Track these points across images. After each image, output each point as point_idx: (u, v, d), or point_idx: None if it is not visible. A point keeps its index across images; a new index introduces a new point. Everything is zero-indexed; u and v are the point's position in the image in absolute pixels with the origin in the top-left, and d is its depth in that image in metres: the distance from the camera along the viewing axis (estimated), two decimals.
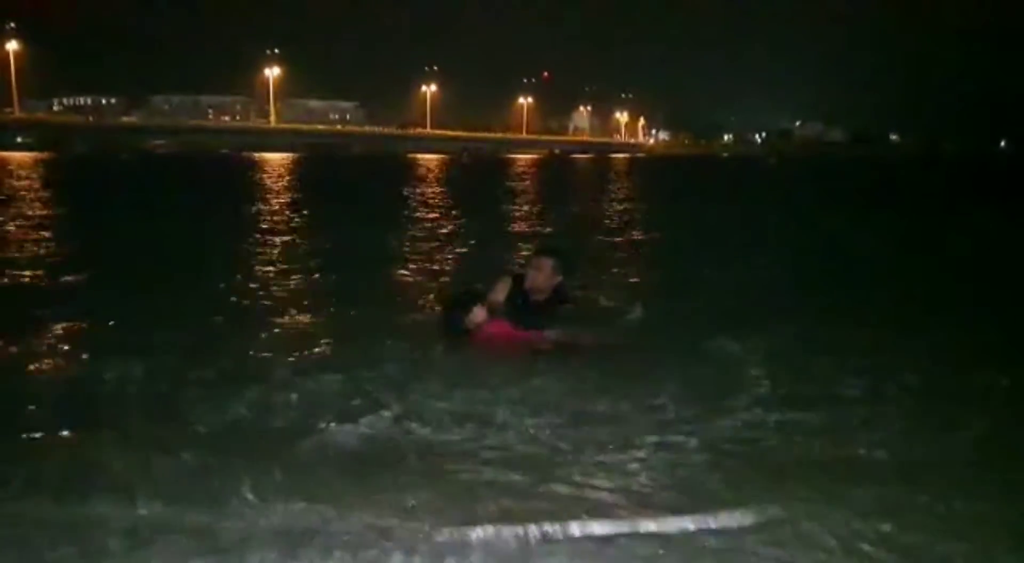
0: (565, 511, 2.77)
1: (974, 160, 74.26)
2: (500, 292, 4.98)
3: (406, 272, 8.14)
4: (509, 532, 2.62)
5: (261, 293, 6.90)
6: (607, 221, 15.03)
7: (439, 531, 2.63)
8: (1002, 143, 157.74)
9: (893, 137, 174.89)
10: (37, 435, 3.49)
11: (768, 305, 6.31)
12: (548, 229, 13.29)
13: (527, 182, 31.45)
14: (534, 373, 4.34)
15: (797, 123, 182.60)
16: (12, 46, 79.76)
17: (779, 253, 10.15)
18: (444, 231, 12.27)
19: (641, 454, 3.31)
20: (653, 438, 3.47)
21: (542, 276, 4.98)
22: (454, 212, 16.10)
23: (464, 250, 10.14)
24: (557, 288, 5.07)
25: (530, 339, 4.74)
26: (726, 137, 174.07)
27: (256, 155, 59.63)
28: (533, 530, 2.62)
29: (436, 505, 2.83)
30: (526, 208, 17.86)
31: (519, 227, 13.34)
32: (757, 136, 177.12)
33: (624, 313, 5.84)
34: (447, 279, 7.70)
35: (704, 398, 3.95)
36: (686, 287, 7.22)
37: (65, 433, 3.51)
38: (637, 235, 12.57)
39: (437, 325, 5.11)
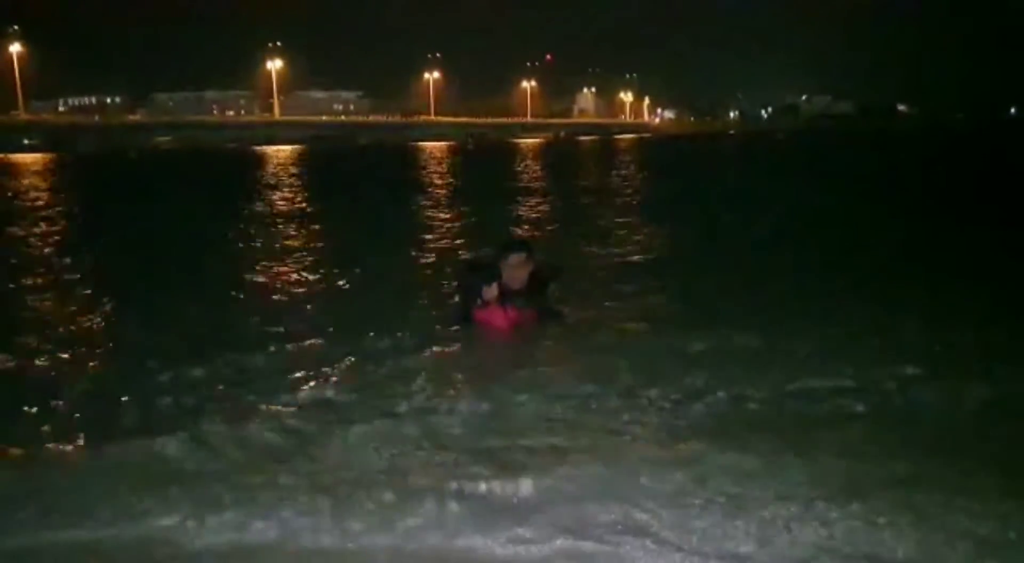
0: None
1: (983, 131, 73.27)
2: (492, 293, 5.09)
3: (414, 264, 8.27)
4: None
5: (273, 286, 7.17)
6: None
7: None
8: (1011, 110, 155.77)
9: (901, 108, 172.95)
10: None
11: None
12: (539, 216, 13.41)
13: (530, 167, 31.49)
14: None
15: (803, 97, 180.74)
16: (16, 48, 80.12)
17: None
18: (447, 220, 12.43)
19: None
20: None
21: (520, 272, 5.07)
22: (457, 200, 16.27)
23: (466, 238, 10.28)
24: (533, 273, 5.19)
25: (530, 318, 5.08)
26: (732, 114, 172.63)
27: (262, 149, 59.78)
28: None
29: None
30: (528, 195, 17.96)
31: (519, 212, 13.48)
32: (763, 112, 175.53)
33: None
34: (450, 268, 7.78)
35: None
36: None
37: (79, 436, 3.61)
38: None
39: (453, 294, 5.45)
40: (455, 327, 5.20)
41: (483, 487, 2.93)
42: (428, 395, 3.96)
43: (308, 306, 6.33)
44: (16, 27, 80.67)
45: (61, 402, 3.99)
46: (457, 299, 5.50)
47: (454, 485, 2.93)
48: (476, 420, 3.65)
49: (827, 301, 5.91)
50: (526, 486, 2.92)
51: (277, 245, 9.89)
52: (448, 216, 13.06)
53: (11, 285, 7.33)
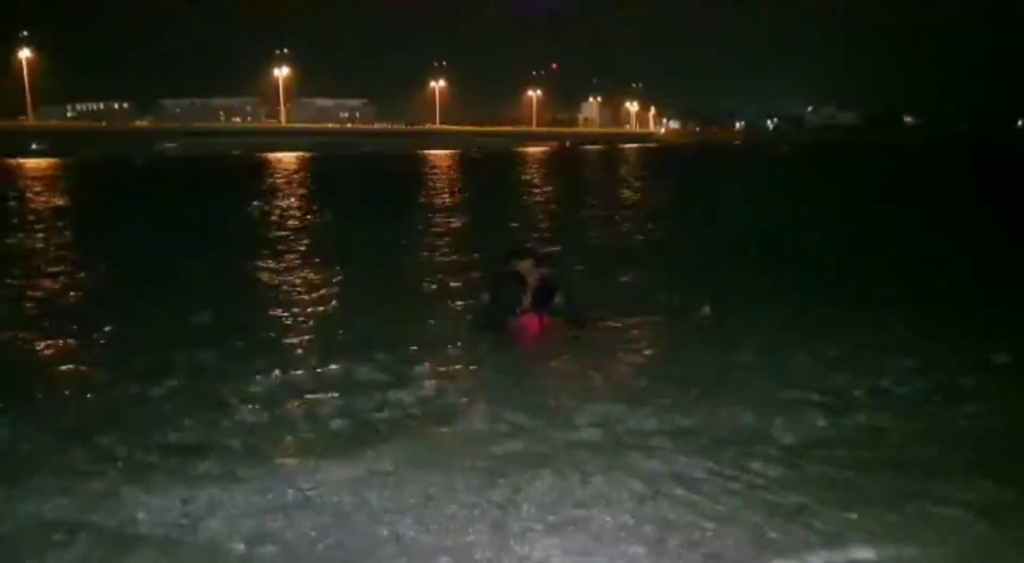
0: None
1: (992, 142, 73.16)
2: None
3: (430, 274, 8.18)
4: None
5: (284, 289, 7.27)
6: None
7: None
8: (1019, 122, 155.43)
9: (908, 119, 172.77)
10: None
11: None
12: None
13: (536, 177, 31.40)
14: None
15: (809, 108, 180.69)
16: (25, 54, 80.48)
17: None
18: (454, 230, 12.27)
19: None
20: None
21: (531, 278, 5.40)
22: (465, 211, 16.15)
23: (478, 249, 10.10)
24: (540, 279, 5.49)
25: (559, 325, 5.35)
26: (737, 124, 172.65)
27: (267, 156, 59.94)
28: None
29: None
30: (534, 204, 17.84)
31: (526, 222, 13.33)
32: (769, 122, 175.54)
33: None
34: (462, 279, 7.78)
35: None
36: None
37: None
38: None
39: (484, 303, 5.75)
40: (488, 333, 5.37)
41: None
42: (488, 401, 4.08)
43: (337, 320, 6.16)
44: (26, 33, 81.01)
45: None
46: (488, 307, 5.68)
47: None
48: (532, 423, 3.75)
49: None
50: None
51: (289, 255, 9.72)
52: (455, 226, 12.91)
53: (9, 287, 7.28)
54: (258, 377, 4.46)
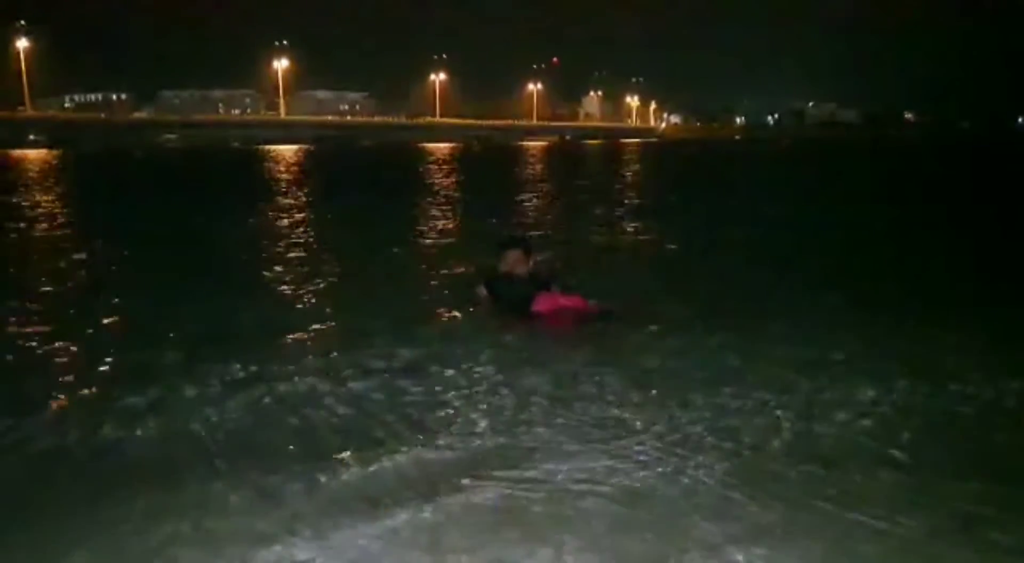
0: None
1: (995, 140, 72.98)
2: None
3: (426, 265, 8.10)
4: None
5: (290, 288, 7.07)
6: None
7: None
8: (1019, 120, 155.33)
9: (908, 116, 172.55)
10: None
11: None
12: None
13: (535, 170, 31.34)
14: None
15: (810, 104, 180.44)
16: (23, 44, 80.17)
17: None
18: (461, 226, 12.23)
19: None
20: None
21: (519, 267, 5.42)
22: (469, 205, 16.14)
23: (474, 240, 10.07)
24: (534, 270, 5.53)
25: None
26: (738, 120, 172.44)
27: (267, 148, 59.73)
28: None
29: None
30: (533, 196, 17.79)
31: (524, 214, 13.29)
32: (770, 117, 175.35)
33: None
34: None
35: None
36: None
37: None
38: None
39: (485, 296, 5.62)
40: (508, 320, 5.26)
41: None
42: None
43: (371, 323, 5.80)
44: (23, 22, 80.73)
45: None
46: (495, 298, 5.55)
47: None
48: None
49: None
50: None
51: (298, 253, 9.43)
52: (453, 219, 12.87)
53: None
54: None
